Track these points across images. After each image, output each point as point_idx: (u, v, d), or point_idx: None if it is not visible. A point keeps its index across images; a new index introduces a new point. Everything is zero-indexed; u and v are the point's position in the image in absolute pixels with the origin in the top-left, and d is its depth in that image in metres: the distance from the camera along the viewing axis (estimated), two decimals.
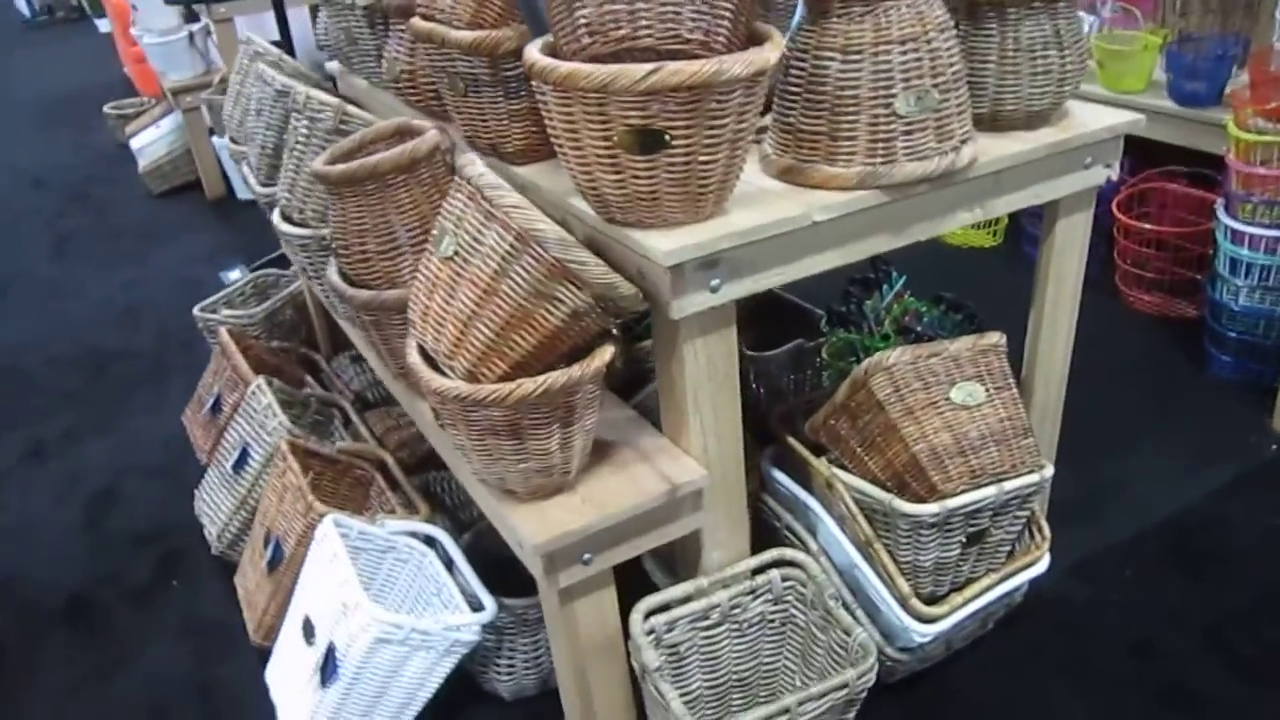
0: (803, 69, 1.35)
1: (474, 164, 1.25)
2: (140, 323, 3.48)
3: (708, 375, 1.39)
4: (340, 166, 1.48)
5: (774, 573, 1.55)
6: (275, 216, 1.91)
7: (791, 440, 1.72)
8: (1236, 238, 2.36)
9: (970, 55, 1.50)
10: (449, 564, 1.77)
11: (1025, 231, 3.16)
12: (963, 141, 1.39)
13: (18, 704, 1.92)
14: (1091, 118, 1.57)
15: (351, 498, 2.09)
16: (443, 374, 1.30)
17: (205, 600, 2.12)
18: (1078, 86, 1.54)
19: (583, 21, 1.16)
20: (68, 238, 4.35)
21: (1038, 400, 1.79)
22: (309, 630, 1.64)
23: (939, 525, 1.52)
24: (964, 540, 1.57)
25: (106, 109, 5.34)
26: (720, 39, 1.16)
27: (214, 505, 2.17)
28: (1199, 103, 2.53)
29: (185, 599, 2.13)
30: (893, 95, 1.32)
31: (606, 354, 1.30)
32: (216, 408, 2.37)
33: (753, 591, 1.54)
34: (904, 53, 1.31)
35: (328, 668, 1.56)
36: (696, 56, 1.15)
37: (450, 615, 1.63)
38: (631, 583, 1.56)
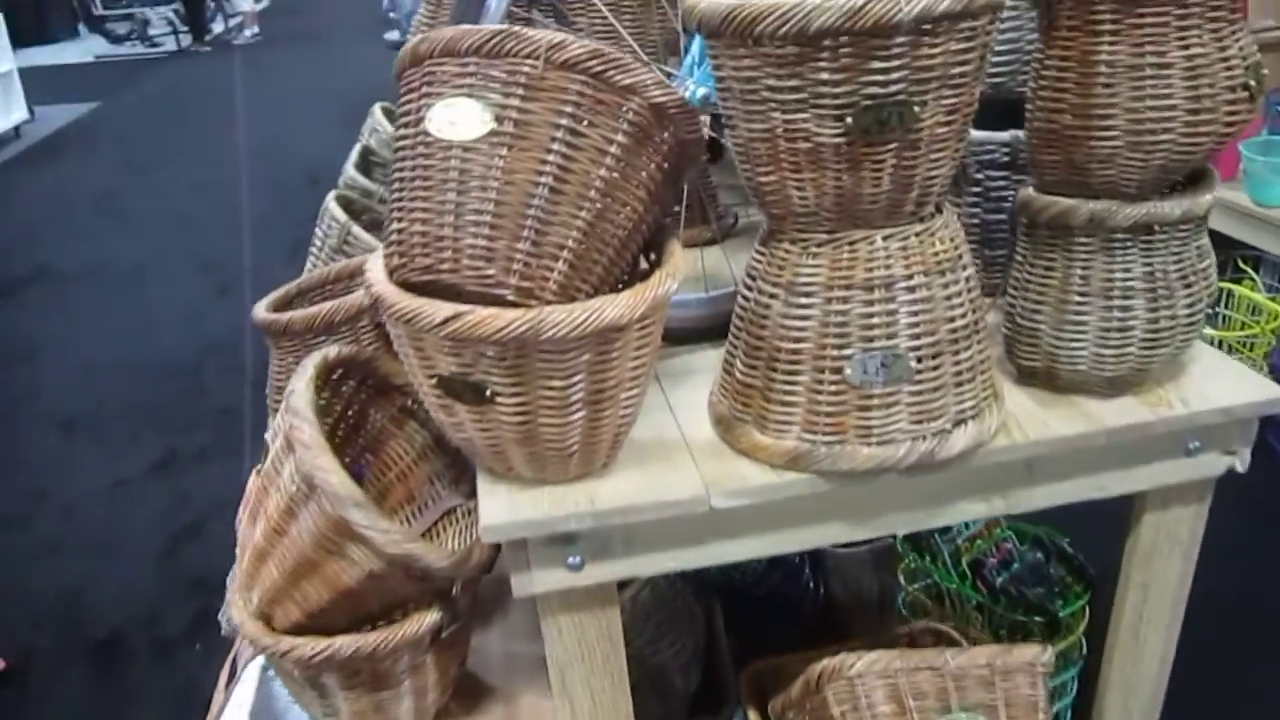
0: (748, 303, 1.02)
1: (302, 373, 1.05)
2: None
3: (579, 657, 1.10)
4: (262, 315, 1.34)
5: None
6: None
7: (752, 712, 1.37)
8: None
9: (1024, 291, 1.09)
10: None
11: (1271, 420, 2.45)
12: (959, 422, 1.00)
13: None
14: (1204, 389, 1.09)
15: None
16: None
17: (209, 675, 2.08)
18: (1181, 349, 1.08)
19: (394, 237, 0.91)
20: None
21: None
22: None
23: None
24: None
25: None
26: (551, 286, 0.87)
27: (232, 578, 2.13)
28: None
29: (194, 668, 2.11)
30: (845, 357, 0.96)
31: (423, 621, 1.05)
32: None
33: None
34: (869, 302, 0.95)
35: None
36: (517, 305, 0.87)
37: None
38: None
